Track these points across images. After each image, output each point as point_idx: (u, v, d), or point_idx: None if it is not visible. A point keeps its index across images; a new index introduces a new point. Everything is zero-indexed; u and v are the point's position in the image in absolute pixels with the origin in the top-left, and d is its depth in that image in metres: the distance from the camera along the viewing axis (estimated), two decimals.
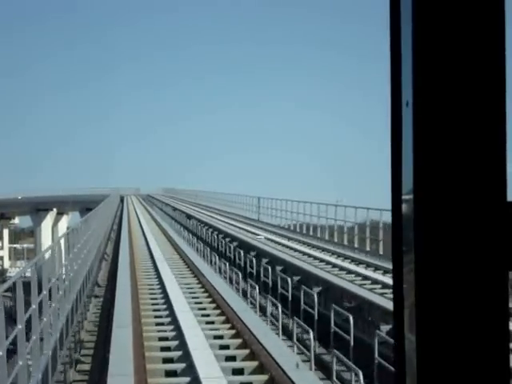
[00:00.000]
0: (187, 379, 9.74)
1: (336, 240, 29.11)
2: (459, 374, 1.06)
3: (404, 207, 1.11)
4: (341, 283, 17.78)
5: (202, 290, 17.05)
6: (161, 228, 37.97)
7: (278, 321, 14.16)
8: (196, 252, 26.42)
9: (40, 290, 9.06)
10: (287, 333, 14.92)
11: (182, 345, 11.45)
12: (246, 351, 11.12)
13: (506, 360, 1.07)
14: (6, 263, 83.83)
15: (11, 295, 8.80)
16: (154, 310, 14.69)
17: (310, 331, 12.21)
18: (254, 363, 10.42)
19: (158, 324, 13.55)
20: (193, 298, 15.93)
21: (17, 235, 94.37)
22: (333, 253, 24.89)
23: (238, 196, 56.42)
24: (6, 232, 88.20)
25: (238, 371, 10.22)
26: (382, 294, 15.76)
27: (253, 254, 25.27)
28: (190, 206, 60.01)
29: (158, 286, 17.66)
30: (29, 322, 8.03)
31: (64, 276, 12.01)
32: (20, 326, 7.38)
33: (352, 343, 12.42)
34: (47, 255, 11.14)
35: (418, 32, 1.05)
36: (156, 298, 16.03)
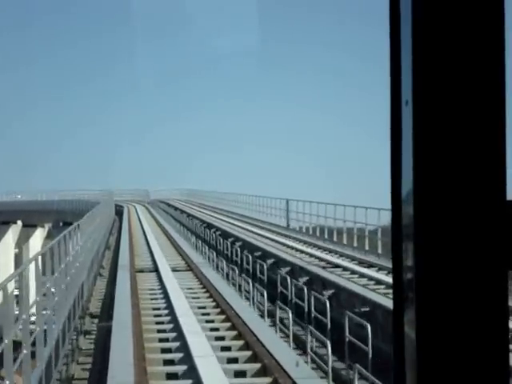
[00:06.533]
0: None
1: None
2: (459, 374, 1.07)
3: (404, 206, 1.11)
4: None
5: None
6: None
7: None
8: None
9: None
10: None
11: None
12: None
13: (506, 359, 1.07)
14: None
15: None
16: None
17: None
18: None
19: None
20: None
21: None
22: None
23: (260, 198, 43.73)
24: None
25: None
26: None
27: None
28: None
29: None
30: None
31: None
32: None
33: None
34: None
35: (417, 31, 1.06)
36: None
